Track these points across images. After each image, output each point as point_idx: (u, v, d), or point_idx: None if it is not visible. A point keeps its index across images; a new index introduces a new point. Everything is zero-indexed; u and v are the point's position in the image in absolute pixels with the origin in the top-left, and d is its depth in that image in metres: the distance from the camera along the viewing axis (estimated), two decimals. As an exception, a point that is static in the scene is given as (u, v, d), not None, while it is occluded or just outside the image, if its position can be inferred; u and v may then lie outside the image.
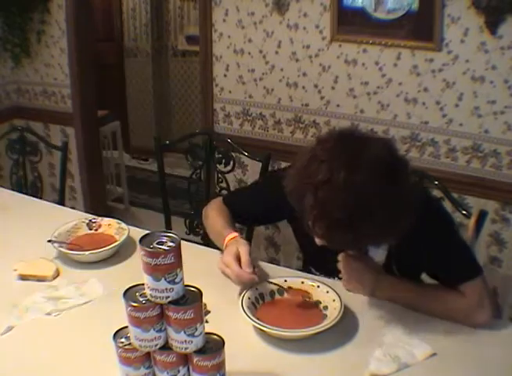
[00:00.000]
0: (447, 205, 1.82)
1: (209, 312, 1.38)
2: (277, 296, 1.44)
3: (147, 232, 1.09)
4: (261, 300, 1.42)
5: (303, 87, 2.69)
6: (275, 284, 1.45)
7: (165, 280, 1.02)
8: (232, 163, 2.23)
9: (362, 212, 1.16)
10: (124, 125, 4.58)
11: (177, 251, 1.04)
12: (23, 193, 2.25)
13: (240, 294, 1.41)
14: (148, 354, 1.10)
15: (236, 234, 1.51)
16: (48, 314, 1.41)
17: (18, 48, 3.31)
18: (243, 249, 1.42)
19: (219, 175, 2.27)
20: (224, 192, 2.26)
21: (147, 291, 1.05)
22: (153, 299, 1.05)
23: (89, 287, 1.51)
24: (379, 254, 1.47)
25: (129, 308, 1.05)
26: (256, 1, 2.65)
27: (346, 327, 1.33)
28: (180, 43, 4.82)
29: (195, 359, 1.07)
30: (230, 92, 2.88)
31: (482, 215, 1.74)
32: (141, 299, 1.06)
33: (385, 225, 1.19)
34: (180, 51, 4.85)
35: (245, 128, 2.91)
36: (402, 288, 1.40)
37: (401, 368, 1.22)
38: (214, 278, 1.46)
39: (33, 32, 3.27)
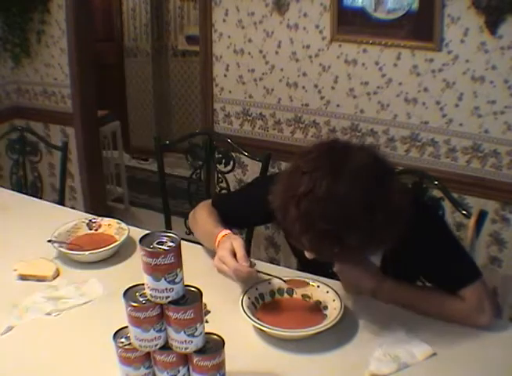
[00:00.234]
0: (447, 205, 1.83)
1: (209, 312, 1.38)
2: (277, 296, 1.44)
3: (147, 232, 1.09)
4: (261, 300, 1.42)
5: (303, 87, 2.69)
6: (274, 277, 1.45)
7: (165, 280, 1.02)
8: (232, 163, 2.23)
9: (347, 222, 1.15)
10: (124, 125, 4.58)
11: (177, 251, 1.04)
12: (23, 193, 2.25)
13: (243, 292, 1.40)
14: (148, 354, 1.10)
15: (228, 231, 1.47)
16: (48, 314, 1.40)
17: (18, 48, 3.31)
18: (238, 244, 1.39)
19: (219, 175, 2.27)
20: (224, 192, 2.26)
21: (147, 291, 1.05)
22: (153, 299, 1.05)
23: (89, 287, 1.51)
24: (374, 258, 1.45)
25: (129, 308, 1.05)
26: (256, 1, 2.66)
27: (346, 327, 1.33)
28: (180, 43, 4.82)
29: (195, 359, 1.07)
30: (230, 92, 2.88)
31: (482, 215, 1.74)
32: (141, 299, 1.06)
33: (372, 235, 1.18)
34: (180, 51, 4.85)
35: (245, 128, 2.91)
36: (401, 293, 1.39)
37: (401, 368, 1.22)
38: (214, 278, 1.46)
39: (33, 32, 3.27)
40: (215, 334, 1.11)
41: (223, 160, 2.24)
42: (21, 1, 3.18)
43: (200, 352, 1.07)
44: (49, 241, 1.66)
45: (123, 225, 1.76)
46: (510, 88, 2.26)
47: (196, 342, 1.06)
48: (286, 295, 1.44)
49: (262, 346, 1.30)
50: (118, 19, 4.82)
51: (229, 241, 1.41)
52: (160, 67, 4.90)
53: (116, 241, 1.69)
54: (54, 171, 3.40)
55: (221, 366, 1.08)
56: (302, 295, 1.44)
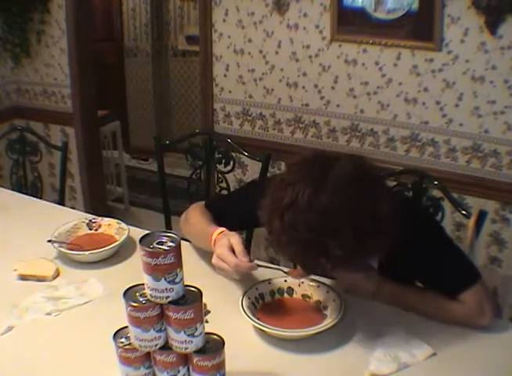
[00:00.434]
0: (447, 205, 1.83)
1: (209, 312, 1.38)
2: (277, 296, 1.44)
3: (147, 232, 1.09)
4: (261, 300, 1.42)
5: (303, 87, 2.69)
6: (275, 268, 1.45)
7: (165, 280, 1.02)
8: (232, 163, 2.23)
9: (330, 232, 1.14)
10: (124, 125, 4.58)
11: (177, 251, 1.04)
12: (23, 193, 2.24)
13: (243, 292, 1.40)
14: (148, 354, 1.10)
15: (223, 229, 1.45)
16: (48, 314, 1.40)
17: (18, 48, 3.31)
18: (235, 239, 1.37)
19: (219, 175, 2.27)
20: (224, 192, 2.26)
21: (147, 291, 1.05)
22: (153, 299, 1.05)
23: (89, 287, 1.51)
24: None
25: (129, 308, 1.05)
26: (256, 1, 2.66)
27: (346, 327, 1.33)
28: (180, 43, 4.82)
29: (195, 359, 1.07)
30: (230, 92, 2.88)
31: (482, 215, 1.73)
32: (141, 299, 1.06)
33: (359, 244, 1.16)
34: (180, 51, 4.85)
35: (245, 128, 2.91)
36: (401, 295, 1.39)
37: (401, 368, 1.22)
38: (214, 278, 1.46)
39: (33, 32, 3.27)
40: (215, 334, 1.11)
41: (223, 160, 2.24)
42: (21, 1, 3.18)
43: (200, 352, 1.07)
44: (49, 241, 1.66)
45: (123, 225, 1.76)
46: (510, 88, 2.26)
47: (196, 342, 1.06)
48: (286, 295, 1.44)
49: (262, 346, 1.30)
50: (118, 19, 4.82)
51: (226, 238, 1.39)
52: (160, 67, 4.90)
53: (116, 241, 1.69)
54: (54, 171, 3.40)
55: (221, 366, 1.08)
56: (302, 295, 1.44)
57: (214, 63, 2.86)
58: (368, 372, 1.21)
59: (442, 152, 2.48)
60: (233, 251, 1.36)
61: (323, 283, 1.44)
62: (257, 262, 1.40)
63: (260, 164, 2.19)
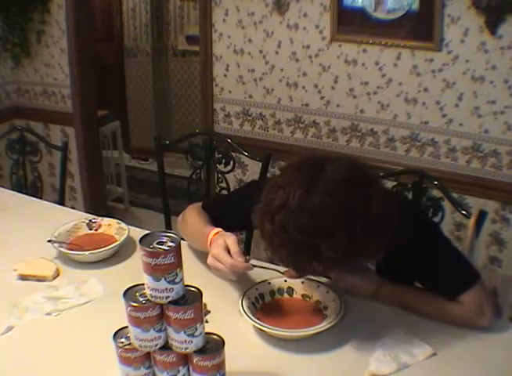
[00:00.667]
0: (447, 205, 1.83)
1: (209, 312, 1.38)
2: (277, 296, 1.44)
3: (147, 232, 1.09)
4: (261, 300, 1.42)
5: (303, 87, 2.69)
6: (271, 269, 1.45)
7: (165, 280, 1.02)
8: (232, 163, 2.23)
9: (321, 233, 1.13)
10: (124, 125, 4.58)
11: (177, 251, 1.04)
12: (23, 193, 2.24)
13: (243, 292, 1.40)
14: (148, 354, 1.10)
15: (219, 229, 1.44)
16: (48, 314, 1.40)
17: (18, 48, 3.31)
18: (231, 240, 1.37)
19: (219, 175, 2.27)
20: (224, 192, 2.26)
21: (147, 291, 1.05)
22: (153, 299, 1.05)
23: (89, 287, 1.51)
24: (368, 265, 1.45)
25: (129, 308, 1.05)
26: (256, 1, 2.66)
27: (346, 328, 1.33)
28: (180, 43, 4.82)
29: (195, 359, 1.07)
30: (230, 92, 2.88)
31: (482, 215, 1.73)
32: (141, 299, 1.06)
33: (352, 246, 1.15)
34: (180, 51, 4.85)
35: (245, 128, 2.91)
36: (401, 296, 1.39)
37: (401, 368, 1.22)
38: (214, 278, 1.46)
39: (33, 32, 3.27)
40: (215, 334, 1.11)
41: (223, 160, 2.24)
42: (21, 1, 3.18)
43: (200, 352, 1.07)
44: (49, 241, 1.66)
45: (123, 225, 1.76)
46: (510, 88, 2.26)
47: (196, 342, 1.06)
48: (286, 295, 1.44)
49: (262, 346, 1.30)
50: (118, 19, 4.82)
51: (222, 238, 1.38)
52: (160, 67, 4.90)
53: (116, 241, 1.69)
54: (54, 171, 3.40)
55: (221, 366, 1.08)
56: (302, 295, 1.44)
57: (214, 63, 2.86)
58: (368, 372, 1.21)
59: (442, 152, 2.48)
60: (229, 252, 1.35)
61: (323, 283, 1.44)
62: (253, 262, 1.40)
63: (260, 164, 2.19)
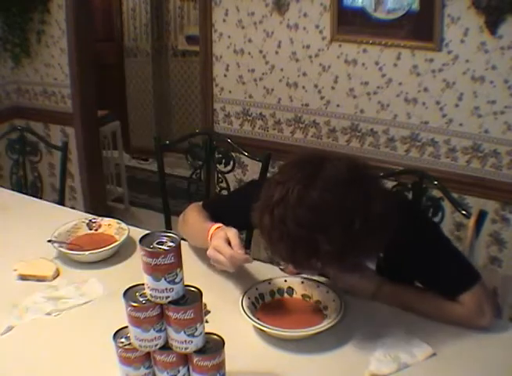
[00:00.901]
0: (447, 205, 1.83)
1: (209, 312, 1.38)
2: (277, 296, 1.44)
3: (147, 232, 1.09)
4: (261, 300, 1.42)
5: (303, 87, 2.69)
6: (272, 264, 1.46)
7: (165, 280, 1.02)
8: (232, 163, 2.23)
9: (320, 228, 1.14)
10: (124, 125, 4.58)
11: (177, 251, 1.04)
12: (23, 193, 2.24)
13: (243, 292, 1.40)
14: (148, 354, 1.10)
15: (220, 224, 1.45)
16: (48, 314, 1.40)
17: (18, 48, 3.31)
18: (232, 233, 1.37)
19: (219, 175, 2.27)
20: (224, 192, 2.26)
21: (147, 291, 1.05)
22: (153, 299, 1.05)
23: (89, 287, 1.51)
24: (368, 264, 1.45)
25: (129, 308, 1.05)
26: (256, 1, 2.66)
27: (346, 327, 1.33)
28: (180, 43, 4.82)
29: (195, 359, 1.07)
30: (230, 92, 2.88)
31: (482, 215, 1.73)
32: (141, 299, 1.06)
33: (351, 243, 1.16)
34: (180, 51, 4.85)
35: (245, 128, 2.91)
36: (401, 296, 1.39)
37: (401, 368, 1.22)
38: (214, 278, 1.46)
39: (33, 32, 3.27)
40: (215, 334, 1.11)
41: (223, 160, 2.24)
42: (21, 1, 3.18)
43: (200, 352, 1.07)
44: (49, 241, 1.66)
45: (123, 225, 1.76)
46: (510, 88, 2.26)
47: (196, 342, 1.06)
48: (286, 295, 1.44)
49: (262, 346, 1.30)
50: (118, 19, 4.82)
51: (223, 231, 1.39)
52: (160, 67, 4.90)
53: (116, 241, 1.69)
54: (54, 171, 3.40)
55: (221, 366, 1.08)
56: (302, 295, 1.44)
57: (214, 63, 2.86)
58: (368, 372, 1.21)
59: (442, 152, 2.48)
60: (230, 245, 1.36)
61: (323, 283, 1.44)
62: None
63: (260, 164, 2.19)
